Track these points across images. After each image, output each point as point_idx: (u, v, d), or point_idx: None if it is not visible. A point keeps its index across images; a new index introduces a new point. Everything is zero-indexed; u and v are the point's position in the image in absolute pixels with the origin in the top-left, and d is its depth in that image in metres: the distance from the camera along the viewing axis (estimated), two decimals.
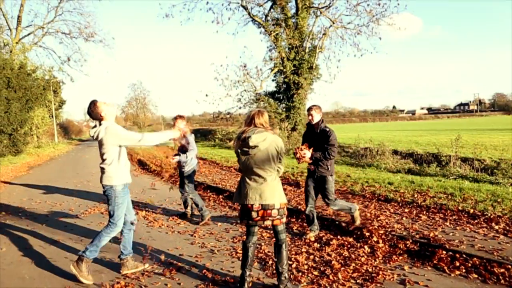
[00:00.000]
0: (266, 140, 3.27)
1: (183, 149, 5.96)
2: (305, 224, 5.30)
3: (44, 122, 26.61)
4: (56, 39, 30.49)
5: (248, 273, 3.44)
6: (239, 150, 3.39)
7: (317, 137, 4.81)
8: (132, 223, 4.12)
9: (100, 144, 3.82)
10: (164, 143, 6.17)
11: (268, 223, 3.36)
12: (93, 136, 3.83)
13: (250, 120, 3.40)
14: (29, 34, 26.76)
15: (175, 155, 6.09)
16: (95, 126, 3.85)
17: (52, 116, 31.48)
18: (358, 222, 5.03)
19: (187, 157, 5.86)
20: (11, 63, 17.56)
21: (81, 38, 28.16)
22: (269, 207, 3.29)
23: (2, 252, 4.80)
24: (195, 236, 5.19)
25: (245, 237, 3.59)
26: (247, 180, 3.38)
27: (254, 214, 3.32)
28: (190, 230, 5.53)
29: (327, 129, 4.80)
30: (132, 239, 4.14)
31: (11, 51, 23.54)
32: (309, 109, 4.93)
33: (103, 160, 3.84)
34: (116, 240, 4.47)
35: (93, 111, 3.82)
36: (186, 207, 6.28)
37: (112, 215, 3.87)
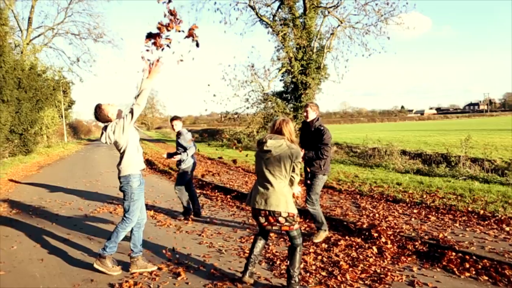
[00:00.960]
0: (281, 146, 3.30)
1: (182, 146, 6.14)
2: (312, 225, 5.29)
3: (54, 122, 26.91)
4: (66, 40, 30.90)
5: (251, 265, 3.58)
6: (257, 153, 3.47)
7: (312, 136, 4.76)
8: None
9: (116, 144, 3.94)
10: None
11: (275, 228, 3.38)
12: (106, 142, 3.91)
13: (273, 127, 3.47)
14: (39, 35, 27.13)
15: (173, 154, 6.28)
16: (102, 134, 3.95)
17: (62, 116, 31.80)
18: (317, 241, 4.78)
19: (187, 155, 6.11)
20: (22, 64, 17.78)
21: (90, 39, 28.46)
22: (275, 214, 3.28)
23: (13, 250, 4.87)
24: (203, 236, 5.21)
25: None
26: (257, 184, 3.43)
27: (261, 219, 3.37)
28: (198, 229, 5.55)
29: (322, 128, 4.72)
30: (142, 237, 4.18)
31: (22, 52, 23.84)
32: (305, 106, 4.92)
33: (121, 152, 3.96)
34: (126, 239, 4.50)
35: (100, 114, 3.94)
36: (194, 205, 6.33)
37: (128, 210, 3.97)
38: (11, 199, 8.23)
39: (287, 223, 3.31)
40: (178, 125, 6.19)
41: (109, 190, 8.88)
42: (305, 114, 4.86)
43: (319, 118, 4.87)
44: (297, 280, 3.41)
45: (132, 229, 4.08)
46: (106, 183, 9.85)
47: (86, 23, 30.31)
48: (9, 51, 13.64)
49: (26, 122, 16.72)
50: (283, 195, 3.30)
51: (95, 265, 3.94)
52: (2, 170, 12.31)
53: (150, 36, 3.78)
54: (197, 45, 3.96)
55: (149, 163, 14.56)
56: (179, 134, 6.20)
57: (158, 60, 3.89)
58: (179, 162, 6.19)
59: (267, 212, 3.30)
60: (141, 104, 3.86)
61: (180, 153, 6.14)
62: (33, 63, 21.08)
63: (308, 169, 4.88)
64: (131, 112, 3.84)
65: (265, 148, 3.32)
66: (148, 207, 7.05)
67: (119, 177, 4.00)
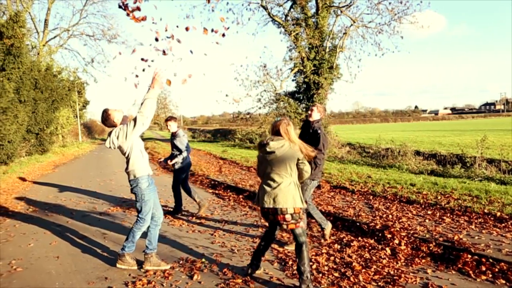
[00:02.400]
0: (283, 147, 3.40)
1: (177, 148, 6.28)
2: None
3: (68, 122, 27.34)
4: (80, 41, 31.37)
5: (258, 260, 3.79)
6: (260, 155, 3.56)
7: (309, 137, 4.62)
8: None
9: (121, 149, 4.05)
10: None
11: (283, 227, 3.45)
12: (111, 147, 4.02)
13: (272, 129, 3.55)
14: (55, 37, 27.66)
15: (169, 157, 6.42)
16: (107, 139, 4.05)
17: (77, 116, 32.30)
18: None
19: (183, 157, 6.26)
20: (38, 65, 18.12)
21: (104, 40, 28.91)
22: (282, 212, 3.35)
23: (30, 247, 4.97)
24: (215, 236, 5.23)
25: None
26: (263, 184, 3.50)
27: (271, 217, 3.47)
28: (210, 229, 5.57)
29: (318, 132, 4.60)
30: (157, 235, 4.25)
31: (38, 53, 24.32)
32: (313, 105, 4.88)
33: (127, 157, 4.06)
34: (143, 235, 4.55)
35: (107, 119, 4.07)
36: (194, 199, 6.51)
37: (140, 210, 4.09)
38: (28, 198, 8.40)
39: (293, 221, 3.39)
40: (173, 126, 6.29)
41: (123, 189, 8.98)
42: (309, 112, 4.80)
43: (319, 121, 4.74)
44: (309, 276, 3.43)
45: (149, 226, 4.19)
46: (119, 183, 9.96)
47: (100, 25, 30.74)
48: (26, 53, 13.91)
49: (42, 122, 17.03)
50: (290, 192, 3.37)
51: (118, 265, 4.10)
52: (19, 169, 12.56)
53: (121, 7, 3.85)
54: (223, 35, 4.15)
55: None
56: (175, 135, 6.32)
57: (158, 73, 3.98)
58: (175, 163, 6.33)
59: (275, 210, 3.38)
60: (144, 113, 3.91)
61: (176, 155, 6.27)
62: (49, 64, 21.45)
63: None
64: (134, 120, 3.93)
65: (268, 149, 3.41)
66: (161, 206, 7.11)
67: (129, 181, 4.12)
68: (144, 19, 3.83)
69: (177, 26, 4.20)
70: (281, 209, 3.35)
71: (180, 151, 6.25)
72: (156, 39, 4.02)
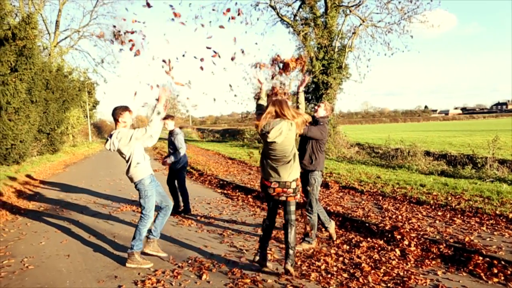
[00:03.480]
0: (282, 133, 3.55)
1: (174, 146, 6.39)
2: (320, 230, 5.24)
3: (79, 122, 27.64)
4: (91, 42, 31.86)
5: (263, 249, 3.90)
6: (265, 140, 3.68)
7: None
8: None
9: (120, 152, 4.17)
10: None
11: (282, 199, 3.72)
12: (110, 149, 4.13)
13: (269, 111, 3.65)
14: (66, 38, 28.01)
15: (166, 157, 6.49)
16: (107, 141, 4.14)
17: (87, 116, 32.64)
18: (299, 248, 4.52)
19: (180, 154, 6.35)
20: (50, 65, 18.34)
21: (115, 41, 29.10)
22: (285, 185, 3.65)
23: (42, 245, 5.04)
24: (224, 235, 5.25)
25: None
26: (268, 159, 3.71)
27: (270, 190, 3.72)
28: (219, 229, 5.59)
29: (321, 123, 4.59)
30: (164, 224, 4.46)
31: (49, 54, 24.65)
32: (320, 102, 4.87)
33: (127, 161, 4.19)
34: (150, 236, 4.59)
35: (118, 115, 4.16)
36: (179, 200, 6.60)
37: (144, 207, 4.23)
38: (39, 197, 8.52)
39: (293, 193, 3.69)
40: (170, 124, 6.39)
41: (132, 189, 9.01)
42: (316, 107, 4.75)
43: (325, 118, 4.68)
44: (294, 258, 3.76)
45: (158, 213, 4.39)
46: (129, 182, 9.94)
47: (110, 26, 30.99)
48: (38, 54, 14.10)
49: (53, 122, 17.24)
50: (293, 166, 3.67)
51: (127, 265, 4.15)
52: (30, 168, 12.74)
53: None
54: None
55: None
56: (172, 133, 6.44)
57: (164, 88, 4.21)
58: (174, 162, 6.41)
59: (278, 183, 3.65)
60: (152, 127, 4.02)
61: (174, 153, 6.36)
62: (60, 64, 21.71)
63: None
64: (146, 128, 4.03)
65: (268, 140, 3.58)
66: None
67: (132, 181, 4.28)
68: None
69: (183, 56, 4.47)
70: (285, 182, 3.63)
71: (176, 149, 6.36)
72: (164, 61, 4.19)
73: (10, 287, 3.76)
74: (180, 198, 6.57)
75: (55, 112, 17.22)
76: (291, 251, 3.71)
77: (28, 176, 11.48)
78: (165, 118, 6.38)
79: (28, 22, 11.95)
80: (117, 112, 4.16)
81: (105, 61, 29.44)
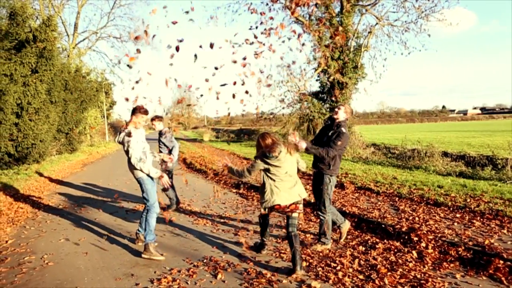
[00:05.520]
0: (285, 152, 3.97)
1: (165, 146, 6.54)
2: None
3: (96, 122, 28.11)
4: (108, 43, 32.47)
5: (267, 239, 4.49)
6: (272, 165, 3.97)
7: (330, 135, 4.52)
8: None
9: (125, 150, 4.54)
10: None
11: (295, 215, 4.02)
12: (119, 141, 4.56)
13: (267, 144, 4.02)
14: (84, 39, 28.58)
15: (162, 161, 6.46)
16: (120, 132, 4.55)
17: (104, 116, 33.17)
18: (316, 248, 4.58)
19: (174, 154, 6.52)
20: (68, 66, 18.71)
21: (130, 41, 29.60)
22: (298, 202, 4.00)
23: (61, 243, 5.15)
24: (239, 235, 5.26)
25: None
26: (281, 184, 3.98)
27: (286, 209, 3.99)
28: (234, 229, 5.61)
29: (343, 130, 4.48)
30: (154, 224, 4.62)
31: (68, 56, 25.16)
32: (340, 104, 4.75)
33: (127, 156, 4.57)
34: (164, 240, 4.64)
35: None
36: (169, 197, 6.78)
37: (147, 199, 4.55)
38: (58, 195, 8.71)
39: (301, 208, 4.05)
40: (158, 125, 6.50)
41: None
42: (336, 110, 4.62)
43: (345, 121, 4.61)
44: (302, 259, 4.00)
45: (143, 211, 4.72)
46: None
47: (127, 27, 31.49)
48: (57, 55, 14.42)
49: (72, 122, 17.60)
50: (301, 186, 4.08)
51: (143, 256, 4.41)
52: (50, 167, 13.03)
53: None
54: None
55: (185, 162, 14.89)
56: (161, 133, 6.57)
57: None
58: (166, 162, 6.42)
59: (294, 203, 3.96)
60: (139, 164, 4.44)
61: (167, 153, 6.49)
62: (78, 65, 22.14)
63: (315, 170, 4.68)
64: (136, 157, 4.44)
65: (279, 160, 3.92)
66: (185, 206, 7.21)
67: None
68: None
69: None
70: (297, 201, 4.00)
71: (168, 148, 6.53)
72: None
73: (31, 283, 3.86)
74: (172, 195, 6.75)
75: (73, 112, 17.57)
76: (298, 256, 3.83)
77: (48, 175, 11.75)
78: (152, 120, 6.53)
79: (48, 24, 12.25)
80: (136, 110, 4.52)
81: (122, 62, 29.91)
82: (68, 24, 27.97)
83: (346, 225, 4.87)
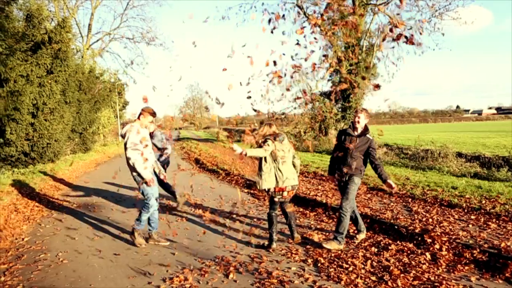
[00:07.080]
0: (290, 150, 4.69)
1: (157, 148, 6.70)
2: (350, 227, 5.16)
3: (109, 122, 28.43)
4: (121, 44, 32.94)
5: (275, 235, 4.68)
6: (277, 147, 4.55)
7: (359, 142, 4.63)
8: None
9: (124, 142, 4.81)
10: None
11: (287, 199, 4.67)
12: (121, 134, 4.82)
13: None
14: (97, 40, 28.98)
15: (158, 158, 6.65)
16: (126, 124, 4.88)
17: (117, 116, 33.56)
18: (328, 247, 4.57)
19: (167, 154, 6.78)
20: (82, 67, 19.00)
21: (143, 42, 29.93)
22: (294, 187, 4.61)
23: (75, 241, 5.23)
24: (250, 236, 5.27)
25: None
26: (279, 167, 4.54)
27: (284, 193, 4.57)
28: (245, 229, 5.62)
29: (369, 137, 4.66)
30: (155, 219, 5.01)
31: (82, 57, 25.54)
32: (359, 111, 4.69)
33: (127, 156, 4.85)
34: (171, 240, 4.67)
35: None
36: (174, 195, 6.89)
37: (145, 195, 4.82)
38: (72, 194, 8.84)
39: (294, 192, 4.71)
40: (150, 127, 6.57)
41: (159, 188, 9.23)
42: (356, 119, 4.65)
43: (368, 128, 4.71)
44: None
45: (143, 207, 4.91)
46: None
47: (139, 28, 31.96)
48: (72, 56, 14.66)
49: (86, 122, 17.85)
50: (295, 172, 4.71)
51: (131, 237, 4.90)
52: (64, 167, 13.24)
53: None
54: None
55: (198, 162, 14.97)
56: (152, 135, 6.61)
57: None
58: (167, 162, 6.71)
59: (291, 187, 4.57)
60: (132, 162, 4.82)
61: (162, 154, 6.72)
62: (92, 66, 22.45)
63: (344, 171, 4.69)
64: (130, 154, 4.77)
65: (284, 146, 4.58)
66: (197, 205, 7.25)
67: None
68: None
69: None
70: (296, 185, 4.63)
71: (161, 149, 6.70)
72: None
73: (46, 280, 3.93)
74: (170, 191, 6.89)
75: (87, 113, 17.82)
76: (293, 225, 4.76)
77: (62, 174, 11.94)
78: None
79: (63, 26, 12.46)
80: (145, 110, 4.77)
81: (135, 62, 30.24)
82: (82, 25, 28.39)
83: (363, 235, 4.90)
